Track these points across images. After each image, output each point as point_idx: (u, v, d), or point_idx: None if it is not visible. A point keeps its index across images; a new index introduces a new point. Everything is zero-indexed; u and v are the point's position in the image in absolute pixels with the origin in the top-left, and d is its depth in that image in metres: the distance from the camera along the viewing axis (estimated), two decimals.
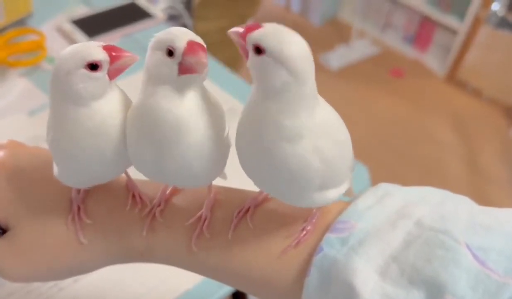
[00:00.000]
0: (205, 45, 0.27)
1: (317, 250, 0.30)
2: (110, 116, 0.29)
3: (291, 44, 0.26)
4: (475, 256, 0.27)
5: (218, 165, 0.31)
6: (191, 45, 0.26)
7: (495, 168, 1.83)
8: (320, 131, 0.28)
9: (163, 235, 0.33)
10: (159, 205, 0.33)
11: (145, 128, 0.28)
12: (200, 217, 0.33)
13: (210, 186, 0.33)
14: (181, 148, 0.28)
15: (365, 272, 0.27)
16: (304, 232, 0.31)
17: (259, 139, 0.27)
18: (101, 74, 0.28)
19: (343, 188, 0.31)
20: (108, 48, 0.28)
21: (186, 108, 0.28)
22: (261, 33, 0.26)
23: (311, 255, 0.30)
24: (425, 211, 0.30)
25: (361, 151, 0.76)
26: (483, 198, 1.69)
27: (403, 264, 0.27)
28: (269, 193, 0.32)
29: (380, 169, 0.62)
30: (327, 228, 0.31)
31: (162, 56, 0.27)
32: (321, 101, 0.29)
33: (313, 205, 0.30)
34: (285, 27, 0.27)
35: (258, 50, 0.26)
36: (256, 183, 0.31)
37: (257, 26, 0.26)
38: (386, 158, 1.80)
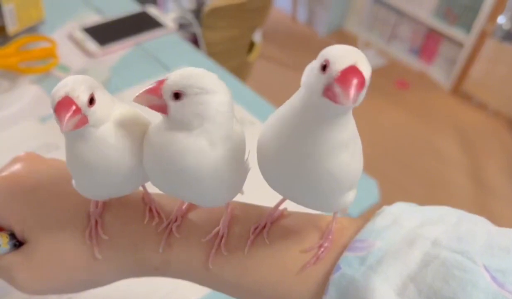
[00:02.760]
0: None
1: (334, 268, 0.30)
2: (110, 145, 0.29)
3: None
4: (493, 278, 0.27)
5: (236, 189, 0.31)
6: None
7: (499, 181, 1.82)
8: (355, 135, 0.28)
9: (179, 250, 0.33)
10: (175, 220, 0.33)
11: (157, 162, 0.29)
12: (217, 234, 0.33)
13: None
14: (197, 183, 0.28)
15: (384, 292, 0.27)
16: (322, 249, 0.31)
17: (305, 152, 0.26)
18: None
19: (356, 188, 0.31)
20: (59, 107, 0.27)
21: (198, 146, 0.27)
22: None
23: (328, 274, 0.30)
24: (442, 231, 0.30)
25: (365, 162, 0.76)
26: (486, 211, 1.68)
27: (420, 285, 0.27)
28: (299, 202, 0.31)
29: (384, 181, 0.62)
30: (344, 246, 0.31)
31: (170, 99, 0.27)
32: None
33: (338, 208, 0.31)
34: None
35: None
36: (284, 193, 0.30)
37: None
38: (390, 169, 1.80)
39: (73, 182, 0.32)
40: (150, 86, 0.27)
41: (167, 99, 0.27)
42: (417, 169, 1.84)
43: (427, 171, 1.85)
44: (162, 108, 0.27)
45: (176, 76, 0.27)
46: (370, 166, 0.75)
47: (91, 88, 0.28)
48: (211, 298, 0.51)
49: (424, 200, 1.73)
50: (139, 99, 0.27)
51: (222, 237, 0.32)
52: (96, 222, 0.33)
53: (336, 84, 0.23)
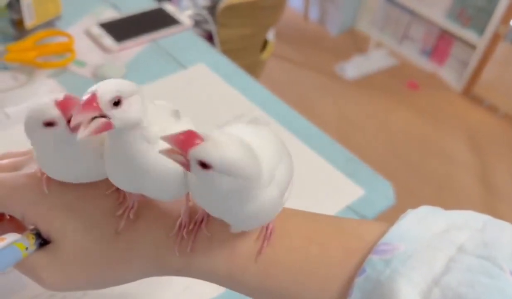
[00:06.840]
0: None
1: (359, 271, 0.30)
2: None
3: (233, 155, 0.26)
4: None
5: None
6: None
7: (508, 185, 1.81)
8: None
9: (201, 254, 0.33)
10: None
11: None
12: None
13: None
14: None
15: (409, 296, 0.27)
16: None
17: None
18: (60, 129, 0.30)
19: None
20: (62, 104, 0.29)
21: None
22: (204, 150, 0.25)
23: (351, 277, 0.30)
24: (468, 237, 0.29)
25: (374, 162, 0.76)
26: (494, 214, 1.66)
27: (445, 289, 0.27)
28: None
29: (392, 181, 0.62)
30: (368, 250, 0.31)
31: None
32: None
33: None
34: (222, 137, 0.26)
35: (204, 165, 0.25)
36: None
37: (194, 137, 0.25)
38: (398, 170, 1.80)
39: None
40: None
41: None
42: (426, 170, 1.84)
43: (436, 172, 1.84)
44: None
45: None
46: (378, 166, 0.75)
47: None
48: (227, 296, 0.51)
49: (431, 201, 1.71)
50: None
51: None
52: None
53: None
